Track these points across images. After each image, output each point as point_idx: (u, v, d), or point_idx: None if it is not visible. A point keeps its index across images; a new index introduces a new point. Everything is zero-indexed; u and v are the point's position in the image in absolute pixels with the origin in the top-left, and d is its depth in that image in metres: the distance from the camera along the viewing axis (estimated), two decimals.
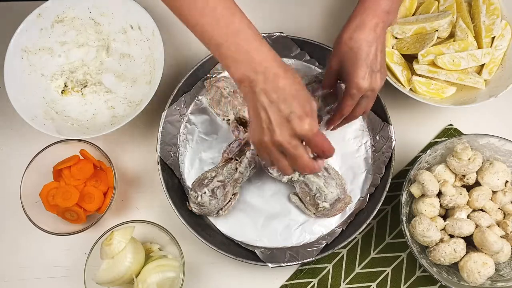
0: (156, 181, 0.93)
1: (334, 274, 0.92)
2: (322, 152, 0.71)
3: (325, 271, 0.92)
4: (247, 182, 0.94)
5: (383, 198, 0.89)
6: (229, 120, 0.94)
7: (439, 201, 0.86)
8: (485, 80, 0.94)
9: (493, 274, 0.83)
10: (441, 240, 0.83)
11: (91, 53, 1.03)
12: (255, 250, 0.90)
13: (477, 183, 0.88)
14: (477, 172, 0.87)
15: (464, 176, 0.87)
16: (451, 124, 0.98)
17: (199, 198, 0.88)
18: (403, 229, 0.83)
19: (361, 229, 0.88)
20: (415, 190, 0.86)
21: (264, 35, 0.96)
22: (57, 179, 0.93)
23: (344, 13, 0.90)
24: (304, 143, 0.71)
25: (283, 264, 0.87)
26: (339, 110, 0.83)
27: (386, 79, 0.91)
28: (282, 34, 0.97)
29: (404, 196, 0.85)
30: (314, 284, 0.92)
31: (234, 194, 0.92)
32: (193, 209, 0.90)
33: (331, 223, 0.92)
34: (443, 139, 0.97)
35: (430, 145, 0.97)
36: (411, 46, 0.95)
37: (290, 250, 0.90)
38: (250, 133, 0.74)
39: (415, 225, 0.83)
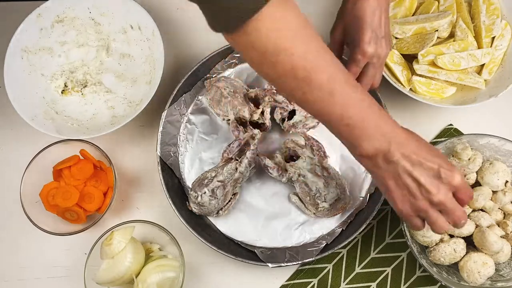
0: (156, 181, 0.93)
1: (334, 274, 0.92)
2: (469, 197, 0.70)
3: (325, 271, 0.92)
4: (247, 182, 0.94)
5: (383, 198, 0.89)
6: (229, 120, 0.94)
7: None
8: (485, 80, 0.94)
9: (493, 274, 0.83)
10: (441, 240, 0.83)
11: (91, 53, 1.03)
12: (255, 250, 0.90)
13: (477, 183, 0.88)
14: (477, 172, 0.87)
15: (464, 176, 0.87)
16: (451, 124, 0.98)
17: (199, 198, 0.88)
18: (403, 229, 0.83)
19: (361, 229, 0.88)
20: None
21: None
22: (57, 179, 0.93)
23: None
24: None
25: (283, 264, 0.87)
26: None
27: (386, 79, 0.91)
28: None
29: None
30: (314, 284, 0.92)
31: (234, 194, 0.92)
32: (193, 209, 0.90)
33: (331, 223, 0.92)
34: (443, 139, 0.97)
35: None
36: (411, 46, 0.95)
37: (290, 250, 0.90)
38: (393, 205, 0.70)
39: None
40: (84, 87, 1.02)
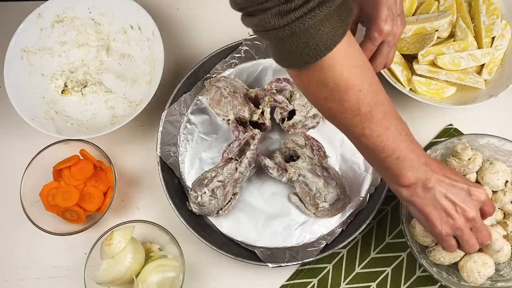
0: (156, 181, 0.93)
1: (334, 274, 0.92)
2: (493, 210, 0.76)
3: (325, 271, 0.92)
4: (247, 182, 0.94)
5: (383, 198, 0.89)
6: (229, 120, 0.94)
7: None
8: (485, 80, 0.94)
9: (493, 274, 0.83)
10: None
11: (91, 53, 1.03)
12: (255, 250, 0.90)
13: (477, 183, 0.88)
14: (477, 172, 0.87)
15: (464, 176, 0.87)
16: (451, 124, 0.98)
17: (199, 198, 0.88)
18: (403, 229, 0.83)
19: (361, 229, 0.88)
20: None
21: None
22: (57, 179, 0.93)
23: None
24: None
25: (283, 264, 0.87)
26: None
27: (386, 79, 0.91)
28: None
29: None
30: (314, 284, 0.92)
31: (234, 194, 0.92)
32: (193, 209, 0.90)
33: (331, 223, 0.92)
34: (443, 139, 0.97)
35: (430, 145, 0.97)
36: (411, 46, 0.95)
37: (290, 250, 0.90)
38: (432, 228, 0.73)
39: (415, 225, 0.83)
40: (84, 87, 1.02)
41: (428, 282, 0.91)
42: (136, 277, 0.86)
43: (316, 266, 0.92)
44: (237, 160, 0.90)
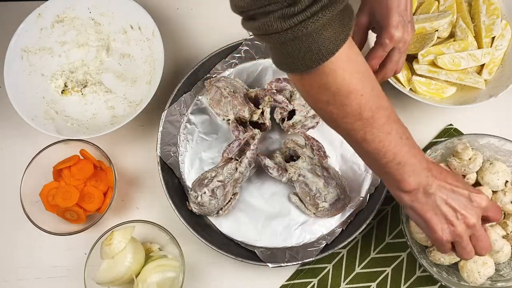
0: (156, 181, 0.93)
1: (334, 274, 0.92)
2: (499, 213, 0.75)
3: (325, 271, 0.92)
4: (247, 182, 0.94)
5: (383, 198, 0.89)
6: (229, 120, 0.94)
7: None
8: (485, 80, 0.94)
9: (493, 274, 0.83)
10: None
11: (91, 53, 1.03)
12: (255, 250, 0.90)
13: (477, 183, 0.88)
14: (477, 172, 0.87)
15: (464, 176, 0.87)
16: (451, 124, 0.98)
17: (199, 198, 0.88)
18: (403, 229, 0.83)
19: (361, 229, 0.88)
20: None
21: None
22: (57, 179, 0.93)
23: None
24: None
25: (283, 264, 0.87)
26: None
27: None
28: None
29: None
30: (314, 284, 0.92)
31: (234, 194, 0.92)
32: (193, 209, 0.90)
33: (331, 223, 0.92)
34: (443, 139, 0.97)
35: (430, 145, 0.97)
36: (411, 46, 0.95)
37: (290, 250, 0.90)
38: (432, 233, 0.72)
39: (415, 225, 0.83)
40: (84, 87, 1.02)
41: (428, 282, 0.91)
42: (136, 277, 0.86)
43: (316, 266, 0.92)
44: (237, 160, 0.90)
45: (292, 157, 0.93)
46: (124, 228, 0.87)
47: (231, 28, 0.95)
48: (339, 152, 0.95)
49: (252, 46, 0.99)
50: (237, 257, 0.87)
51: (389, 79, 0.91)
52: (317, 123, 0.94)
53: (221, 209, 0.91)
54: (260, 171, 0.93)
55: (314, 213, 0.91)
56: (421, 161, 0.70)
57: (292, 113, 0.94)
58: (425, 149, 0.97)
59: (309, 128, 0.94)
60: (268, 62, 1.00)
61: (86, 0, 1.00)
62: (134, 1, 0.98)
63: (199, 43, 1.05)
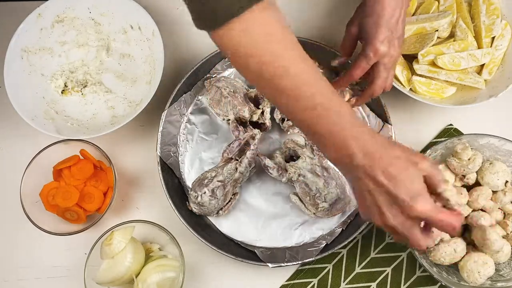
0: (156, 181, 0.93)
1: (334, 274, 0.92)
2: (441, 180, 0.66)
3: (325, 271, 0.92)
4: (247, 182, 0.94)
5: None
6: (229, 120, 0.94)
7: None
8: (485, 80, 0.94)
9: (493, 274, 0.83)
10: (441, 240, 0.83)
11: (91, 53, 1.03)
12: (255, 250, 0.90)
13: (477, 183, 0.88)
14: (477, 172, 0.87)
15: (464, 176, 0.87)
16: (451, 124, 0.98)
17: (199, 198, 0.88)
18: None
19: (361, 229, 0.88)
20: None
21: None
22: (57, 179, 0.93)
23: (344, 14, 0.90)
24: None
25: (283, 264, 0.87)
26: (348, 72, 0.81)
27: None
28: None
29: None
30: (314, 284, 0.92)
31: (234, 194, 0.92)
32: (193, 209, 0.90)
33: (331, 223, 0.92)
34: (443, 139, 0.97)
35: (430, 145, 0.97)
36: (411, 46, 0.95)
37: (290, 250, 0.90)
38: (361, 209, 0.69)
39: None
40: (84, 87, 1.02)
41: (428, 282, 0.91)
42: (136, 277, 0.86)
43: (316, 266, 0.92)
44: (237, 160, 0.90)
45: (292, 157, 0.93)
46: (124, 228, 0.87)
47: None
48: None
49: None
50: (237, 257, 0.87)
51: None
52: None
53: (221, 209, 0.91)
54: (260, 171, 0.93)
55: (314, 213, 0.91)
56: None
57: None
58: (425, 149, 0.97)
59: None
60: None
61: (86, 0, 1.00)
62: (134, 1, 0.98)
63: (199, 43, 1.05)
